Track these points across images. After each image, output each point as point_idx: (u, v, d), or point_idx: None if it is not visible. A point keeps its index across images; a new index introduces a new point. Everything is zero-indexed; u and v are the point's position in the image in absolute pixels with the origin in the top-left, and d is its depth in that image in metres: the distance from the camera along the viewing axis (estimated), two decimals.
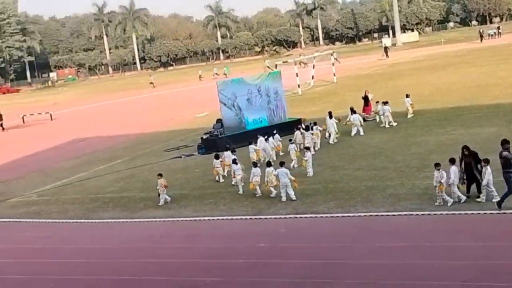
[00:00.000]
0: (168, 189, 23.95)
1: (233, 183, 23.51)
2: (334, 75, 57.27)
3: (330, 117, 29.71)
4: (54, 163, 35.06)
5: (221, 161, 24.88)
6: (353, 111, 31.01)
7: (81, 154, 36.86)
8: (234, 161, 23.35)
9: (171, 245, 18.37)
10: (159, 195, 22.76)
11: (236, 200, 21.97)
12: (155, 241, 18.97)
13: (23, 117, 59.92)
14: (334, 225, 18.19)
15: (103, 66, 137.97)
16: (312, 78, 57.18)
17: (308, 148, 24.79)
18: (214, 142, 30.99)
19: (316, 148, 27.98)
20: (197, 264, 16.29)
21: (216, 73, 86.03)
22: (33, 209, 25.09)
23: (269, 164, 21.97)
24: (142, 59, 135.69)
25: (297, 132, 28.05)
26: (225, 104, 31.79)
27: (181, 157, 31.44)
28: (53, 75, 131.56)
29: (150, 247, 18.43)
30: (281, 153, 27.37)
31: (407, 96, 33.47)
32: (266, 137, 27.35)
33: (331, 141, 29.21)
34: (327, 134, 29.49)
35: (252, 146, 26.54)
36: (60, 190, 27.99)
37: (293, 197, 20.73)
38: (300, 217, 19.11)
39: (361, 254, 15.41)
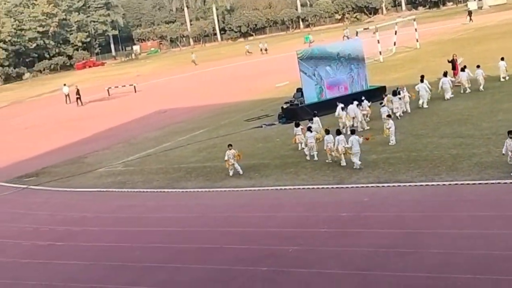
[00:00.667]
0: (250, 158, 24.16)
1: (305, 150, 23.42)
2: (417, 41, 55.73)
3: (422, 81, 29.06)
4: (138, 134, 35.86)
5: (302, 129, 24.75)
6: (444, 75, 30.27)
7: (164, 125, 37.51)
8: (309, 129, 23.25)
9: (253, 214, 18.49)
10: (229, 166, 22.86)
11: (318, 169, 21.85)
12: (237, 210, 19.14)
13: (108, 90, 61.42)
14: (418, 194, 17.80)
15: (184, 38, 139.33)
16: (394, 44, 55.84)
17: (390, 116, 24.29)
18: (295, 111, 30.84)
19: (408, 111, 28.05)
20: (279, 233, 16.34)
21: (249, 51, 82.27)
22: (118, 179, 25.78)
23: (338, 132, 22.24)
24: (222, 30, 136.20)
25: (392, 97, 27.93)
26: (305, 73, 31.50)
27: (261, 126, 31.49)
28: (136, 48, 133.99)
29: (232, 216, 18.62)
30: (367, 119, 27.09)
31: (502, 59, 32.26)
32: (357, 103, 27.10)
33: (425, 105, 28.73)
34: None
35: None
36: (144, 160, 28.63)
37: (357, 166, 20.85)
38: (383, 186, 18.83)
39: (446, 224, 15.05)
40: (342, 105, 26.71)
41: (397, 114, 27.05)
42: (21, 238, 19.67)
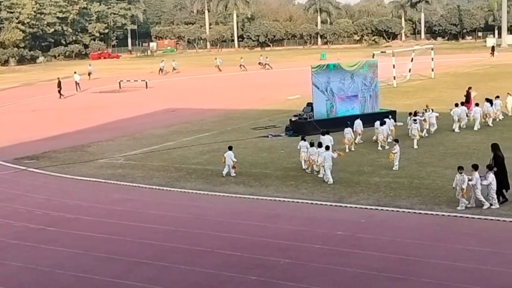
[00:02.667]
0: (252, 166, 24.08)
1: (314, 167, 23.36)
2: (432, 70, 55.70)
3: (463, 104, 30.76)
4: (144, 130, 35.78)
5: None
6: (456, 105, 30.33)
7: (171, 124, 37.43)
8: (319, 145, 23.24)
9: (248, 222, 18.34)
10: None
11: (318, 185, 21.72)
12: (233, 216, 19.00)
13: (119, 83, 61.44)
14: (416, 222, 17.65)
15: (201, 41, 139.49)
16: (409, 71, 55.81)
17: (397, 141, 24.14)
18: (303, 125, 30.73)
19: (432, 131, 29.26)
20: (272, 243, 16.19)
21: (219, 66, 76.50)
22: (119, 172, 25.68)
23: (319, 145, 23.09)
24: (240, 37, 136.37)
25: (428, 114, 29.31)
26: (317, 88, 31.39)
27: (268, 136, 31.40)
28: (153, 44, 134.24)
29: (227, 221, 18.48)
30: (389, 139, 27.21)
31: (510, 94, 32.52)
32: (383, 120, 27.73)
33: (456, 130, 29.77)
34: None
35: (348, 129, 26.81)
36: (147, 156, 28.53)
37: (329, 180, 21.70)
38: (382, 209, 18.69)
39: (441, 254, 14.88)
40: (379, 122, 27.55)
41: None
42: (13, 218, 19.56)
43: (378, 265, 14.31)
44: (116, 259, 15.67)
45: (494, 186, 18.10)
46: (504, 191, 18.68)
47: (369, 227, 17.22)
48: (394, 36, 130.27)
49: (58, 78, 56.96)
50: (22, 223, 19.09)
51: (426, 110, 29.94)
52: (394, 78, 50.40)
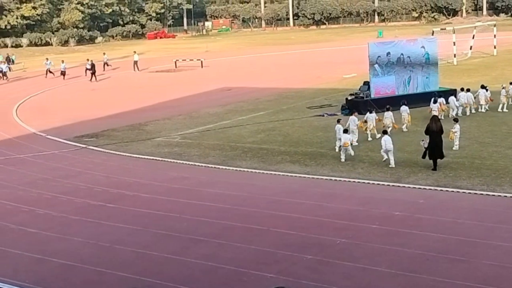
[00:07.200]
0: (308, 145, 23.97)
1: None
2: (495, 47, 54.16)
3: None
4: (200, 109, 35.97)
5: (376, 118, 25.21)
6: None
7: (227, 103, 37.51)
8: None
9: (304, 201, 18.24)
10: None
11: (375, 164, 21.45)
12: (288, 195, 18.93)
13: (175, 62, 61.89)
14: (477, 203, 17.25)
15: (256, 19, 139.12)
16: (470, 48, 54.40)
17: (456, 120, 23.60)
18: (359, 104, 30.34)
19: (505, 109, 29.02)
20: (328, 223, 16.08)
21: (107, 63, 61.57)
22: (175, 150, 25.91)
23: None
24: (296, 16, 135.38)
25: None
26: (374, 67, 30.90)
27: (323, 115, 31.15)
28: (208, 24, 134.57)
29: (283, 200, 18.43)
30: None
31: None
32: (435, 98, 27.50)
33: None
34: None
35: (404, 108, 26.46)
36: (202, 134, 28.70)
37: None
38: (441, 189, 18.32)
39: (502, 236, 14.52)
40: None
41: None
42: (74, 195, 19.97)
43: (438, 246, 14.05)
44: (173, 236, 15.84)
45: None
46: None
47: (428, 208, 16.92)
48: (454, 12, 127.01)
49: (88, 60, 56.55)
50: (83, 199, 19.49)
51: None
52: (455, 56, 49.24)
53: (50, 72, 58.15)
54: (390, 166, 20.87)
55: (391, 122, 25.38)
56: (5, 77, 59.08)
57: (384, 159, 21.31)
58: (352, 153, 22.29)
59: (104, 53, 64.62)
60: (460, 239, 14.51)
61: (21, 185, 21.63)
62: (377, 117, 25.33)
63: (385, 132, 22.12)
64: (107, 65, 60.83)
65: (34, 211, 18.60)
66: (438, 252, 13.73)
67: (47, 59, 61.11)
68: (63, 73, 56.26)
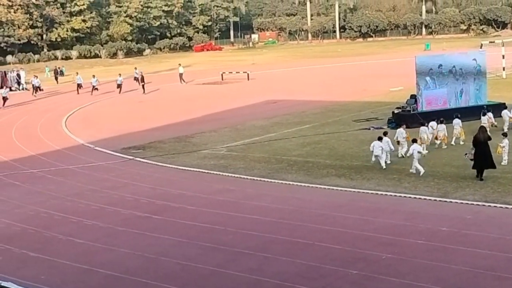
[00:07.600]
0: (354, 159, 23.82)
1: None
2: None
3: None
4: (246, 121, 36.14)
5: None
6: None
7: (272, 116, 37.60)
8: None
9: (349, 215, 18.14)
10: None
11: (422, 179, 21.21)
12: (334, 209, 18.85)
13: (222, 74, 62.36)
14: None
15: (303, 32, 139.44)
16: None
17: (505, 135, 23.19)
18: (405, 117, 30.05)
19: None
20: (374, 238, 15.95)
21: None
22: (221, 163, 26.07)
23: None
24: (342, 28, 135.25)
25: None
26: (426, 79, 30.58)
27: (369, 128, 30.96)
28: (254, 36, 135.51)
29: (328, 214, 18.36)
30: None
31: None
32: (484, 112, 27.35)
33: None
34: None
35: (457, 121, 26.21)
36: (248, 147, 28.81)
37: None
38: (489, 205, 17.99)
39: None
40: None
41: None
42: (121, 206, 20.26)
43: (485, 263, 13.81)
44: (219, 249, 15.92)
45: None
46: None
47: (475, 224, 16.65)
48: (503, 25, 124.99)
49: (136, 70, 57.79)
50: (129, 210, 19.75)
51: None
52: (504, 69, 48.42)
53: (95, 88, 55.44)
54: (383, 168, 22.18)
55: (444, 135, 25.39)
56: (36, 92, 57.30)
57: (411, 170, 21.87)
58: (384, 166, 22.77)
59: (180, 64, 64.71)
60: (509, 256, 14.22)
61: (69, 196, 22.05)
62: (433, 131, 25.47)
63: (380, 139, 23.04)
64: (96, 89, 55.89)
65: (82, 221, 18.93)
66: (485, 269, 13.49)
67: (93, 75, 57.80)
68: (95, 88, 55.08)
